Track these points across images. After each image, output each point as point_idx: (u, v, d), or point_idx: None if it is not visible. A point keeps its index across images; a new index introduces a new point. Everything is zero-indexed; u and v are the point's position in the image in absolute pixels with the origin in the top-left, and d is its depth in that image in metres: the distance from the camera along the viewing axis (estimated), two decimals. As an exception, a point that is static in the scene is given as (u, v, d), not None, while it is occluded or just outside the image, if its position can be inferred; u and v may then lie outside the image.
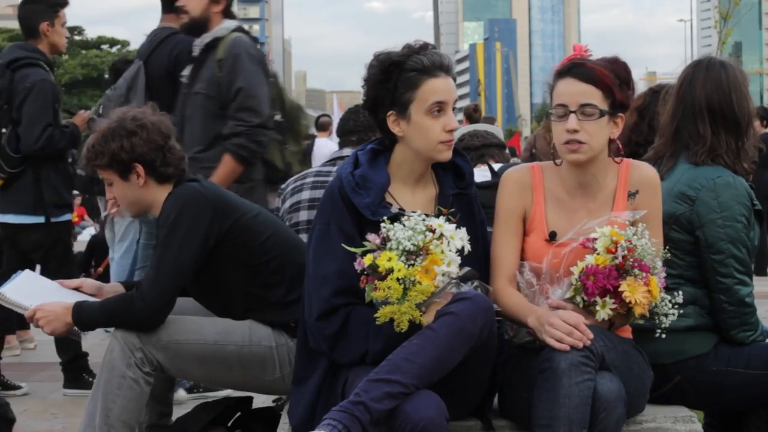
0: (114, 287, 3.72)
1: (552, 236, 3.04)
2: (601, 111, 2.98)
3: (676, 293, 3.00)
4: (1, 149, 5.55)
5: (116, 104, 5.26)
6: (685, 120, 3.37)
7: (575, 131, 2.97)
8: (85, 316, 3.43)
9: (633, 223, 2.96)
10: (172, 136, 3.62)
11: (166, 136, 3.58)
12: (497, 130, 4.63)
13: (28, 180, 5.56)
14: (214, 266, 3.48)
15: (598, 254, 2.88)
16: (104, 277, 8.58)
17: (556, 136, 3.03)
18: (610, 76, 3.01)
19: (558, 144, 3.03)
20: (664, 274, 2.95)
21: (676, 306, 2.98)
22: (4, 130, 5.57)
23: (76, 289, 3.65)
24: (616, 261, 2.86)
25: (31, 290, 3.61)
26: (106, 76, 50.76)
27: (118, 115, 3.59)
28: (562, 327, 2.79)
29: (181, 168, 3.60)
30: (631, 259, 2.87)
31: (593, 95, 2.99)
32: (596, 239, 2.91)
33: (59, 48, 5.83)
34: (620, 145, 3.12)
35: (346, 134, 4.22)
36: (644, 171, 3.13)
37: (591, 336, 2.78)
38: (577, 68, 3.02)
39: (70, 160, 5.73)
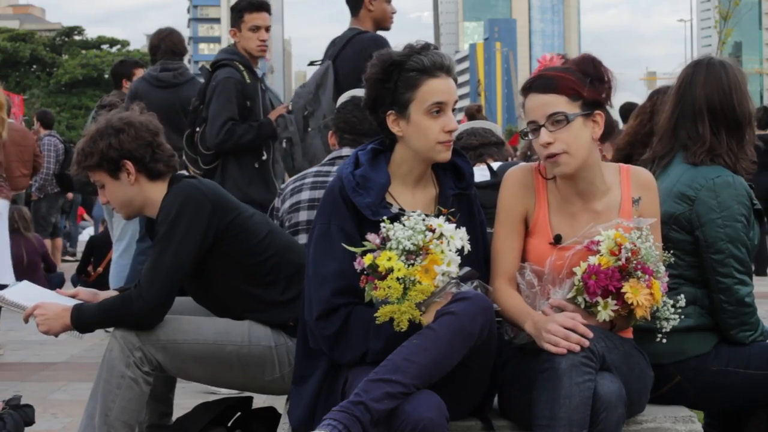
0: (110, 294, 3.71)
1: (557, 239, 3.03)
2: (568, 116, 2.95)
3: (678, 298, 2.99)
4: (195, 146, 5.76)
5: (305, 101, 5.47)
6: (684, 120, 3.37)
7: (549, 144, 2.96)
8: (83, 317, 3.43)
9: (637, 228, 2.96)
10: (161, 133, 3.62)
11: (154, 134, 3.59)
12: (495, 126, 4.58)
13: (217, 177, 5.75)
14: (210, 264, 3.48)
15: (601, 255, 2.88)
16: (104, 277, 8.59)
17: (538, 153, 3.03)
18: (573, 78, 2.98)
19: (542, 159, 3.03)
20: (666, 279, 2.94)
21: (679, 310, 2.97)
22: (198, 129, 5.78)
23: (73, 296, 3.65)
24: (620, 262, 2.86)
25: (30, 295, 3.63)
26: (106, 75, 50.88)
27: (105, 118, 3.61)
28: (560, 332, 2.78)
29: (172, 165, 3.60)
30: (635, 262, 2.86)
31: (557, 103, 2.96)
32: (600, 242, 2.90)
33: (251, 52, 5.93)
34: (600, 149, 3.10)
35: (361, 135, 4.10)
36: (643, 176, 3.12)
37: (590, 335, 2.78)
38: (537, 81, 3.02)
39: (264, 157, 5.84)
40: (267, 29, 5.99)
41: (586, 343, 2.77)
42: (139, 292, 3.38)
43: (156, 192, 3.55)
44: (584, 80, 2.99)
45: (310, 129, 5.47)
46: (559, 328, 2.79)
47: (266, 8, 6.00)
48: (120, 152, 3.52)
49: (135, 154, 3.52)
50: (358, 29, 5.69)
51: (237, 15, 5.90)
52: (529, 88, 3.02)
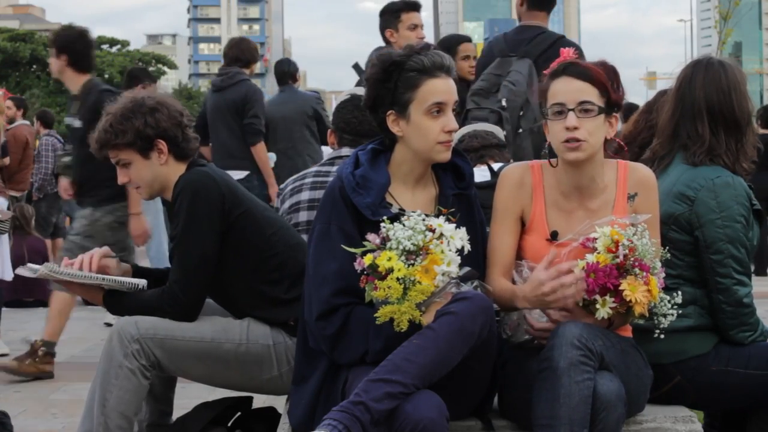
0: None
1: (554, 236, 3.05)
2: (599, 108, 2.99)
3: (675, 294, 3.00)
4: None
5: (522, 100, 5.35)
6: (683, 120, 3.37)
7: (575, 128, 2.97)
8: (117, 307, 3.49)
9: (633, 224, 2.96)
10: (185, 115, 3.63)
11: (181, 114, 3.60)
12: (497, 129, 4.59)
13: None
14: (219, 256, 3.48)
15: (598, 253, 2.89)
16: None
17: (553, 136, 3.03)
18: (605, 75, 3.03)
19: (556, 143, 3.03)
20: (663, 275, 2.95)
21: (675, 306, 2.98)
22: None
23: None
24: (617, 260, 2.87)
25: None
26: (106, 75, 50.73)
27: (129, 97, 3.59)
28: (554, 285, 2.82)
29: (196, 147, 3.62)
30: (632, 259, 2.87)
31: (590, 93, 3.00)
32: (596, 239, 2.91)
33: None
34: (621, 143, 3.13)
35: (361, 136, 4.10)
36: (642, 172, 3.13)
37: (574, 266, 2.84)
38: (571, 67, 3.05)
39: None
40: (422, 27, 6.08)
41: (580, 275, 2.80)
42: (173, 293, 3.42)
43: (179, 174, 3.55)
44: (610, 82, 3.03)
45: (521, 130, 5.39)
46: (552, 283, 2.83)
47: (420, 7, 6.12)
48: (156, 131, 3.51)
49: (169, 134, 3.53)
50: (561, 34, 5.67)
51: (393, 15, 5.98)
52: (562, 72, 3.05)
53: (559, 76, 3.05)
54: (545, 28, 5.63)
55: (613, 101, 3.03)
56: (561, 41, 5.49)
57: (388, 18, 6.04)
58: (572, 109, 2.98)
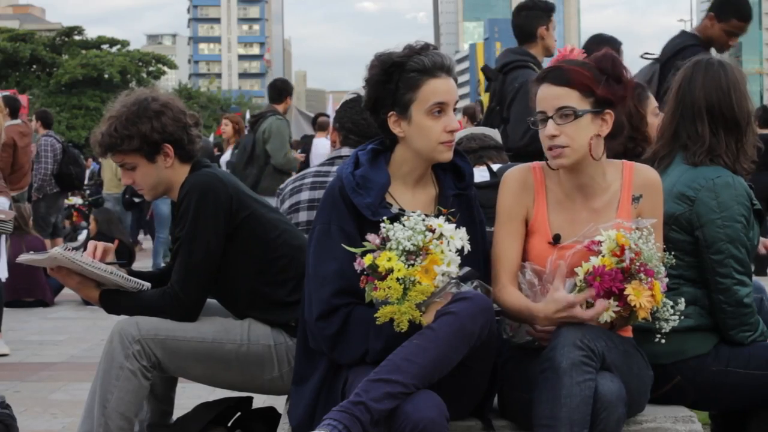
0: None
1: (556, 239, 3.04)
2: (576, 112, 2.96)
3: (678, 300, 2.99)
4: None
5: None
6: (684, 120, 3.37)
7: (554, 136, 2.97)
8: (115, 305, 3.48)
9: (638, 228, 2.96)
10: (188, 114, 3.61)
11: (185, 114, 3.57)
12: (495, 132, 4.60)
13: None
14: (225, 256, 3.48)
15: (603, 257, 2.88)
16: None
17: (542, 143, 3.04)
18: (588, 74, 2.98)
19: (544, 150, 3.03)
20: (666, 279, 2.94)
21: (678, 312, 2.97)
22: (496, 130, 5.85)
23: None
24: (623, 264, 2.86)
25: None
26: (106, 75, 50.67)
27: (134, 99, 3.55)
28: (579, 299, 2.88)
29: (200, 147, 3.61)
30: (638, 263, 2.86)
31: (569, 97, 2.97)
32: (601, 242, 2.90)
33: (551, 50, 6.00)
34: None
35: (368, 138, 4.02)
36: (648, 174, 3.12)
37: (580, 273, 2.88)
38: (552, 72, 3.03)
39: None
40: None
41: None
42: (175, 293, 3.41)
43: (183, 175, 3.53)
44: (600, 78, 2.99)
45: None
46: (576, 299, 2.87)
47: None
48: (162, 136, 3.49)
49: (175, 137, 3.50)
50: (695, 39, 5.59)
51: (546, 14, 6.00)
52: (543, 79, 3.03)
53: (541, 83, 3.04)
54: (692, 35, 5.67)
55: (601, 98, 2.99)
56: (688, 49, 5.39)
57: (541, 15, 5.99)
58: (551, 117, 2.98)
